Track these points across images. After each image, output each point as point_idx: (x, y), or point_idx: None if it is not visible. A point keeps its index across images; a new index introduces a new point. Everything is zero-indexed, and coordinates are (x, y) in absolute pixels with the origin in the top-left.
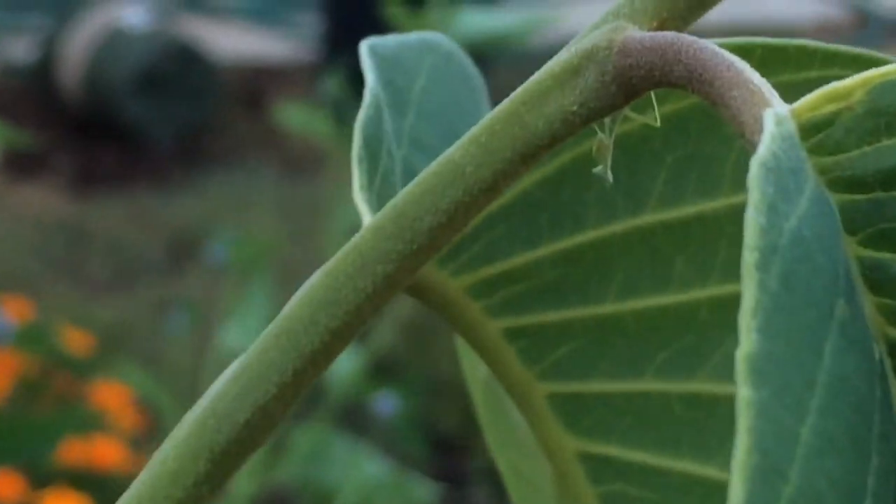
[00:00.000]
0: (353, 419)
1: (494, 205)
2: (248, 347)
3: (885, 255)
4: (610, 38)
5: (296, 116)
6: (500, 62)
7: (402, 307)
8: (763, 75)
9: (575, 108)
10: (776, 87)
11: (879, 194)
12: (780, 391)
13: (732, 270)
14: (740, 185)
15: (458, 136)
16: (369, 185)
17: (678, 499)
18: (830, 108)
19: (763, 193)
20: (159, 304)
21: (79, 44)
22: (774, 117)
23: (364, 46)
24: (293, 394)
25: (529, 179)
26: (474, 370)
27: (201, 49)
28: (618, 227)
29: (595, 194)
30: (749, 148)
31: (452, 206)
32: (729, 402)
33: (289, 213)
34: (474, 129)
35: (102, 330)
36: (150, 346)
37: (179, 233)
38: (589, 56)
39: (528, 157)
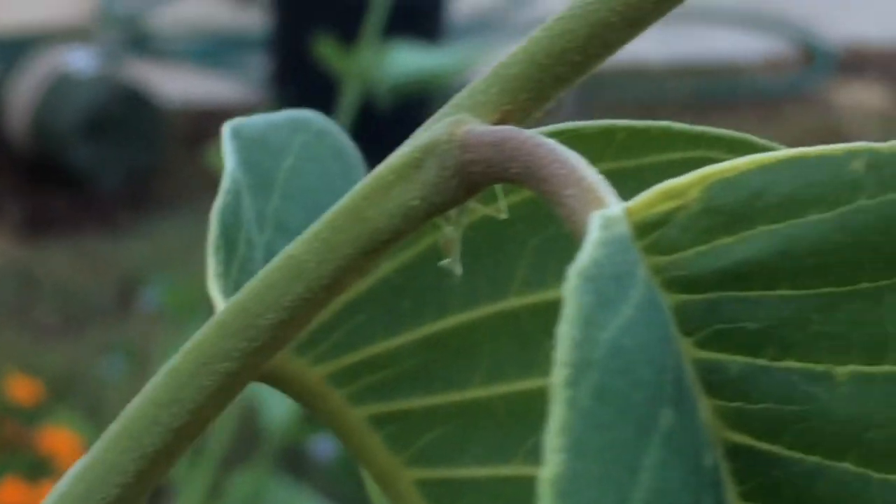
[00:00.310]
0: (291, 463)
1: (354, 291)
2: None
3: (722, 357)
4: (451, 132)
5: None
6: (439, 99)
7: None
8: (626, 157)
9: (416, 202)
10: (639, 169)
11: (716, 294)
12: None
13: None
14: None
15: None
16: (226, 274)
17: None
18: (666, 206)
19: (579, 305)
20: (107, 349)
21: (25, 89)
22: (602, 220)
23: (226, 128)
24: (137, 494)
25: (389, 266)
26: None
27: (148, 92)
28: (482, 311)
29: (457, 279)
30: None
31: (295, 302)
32: None
33: None
34: (316, 225)
35: (51, 375)
36: (99, 392)
37: (128, 277)
38: (429, 150)
39: (371, 252)
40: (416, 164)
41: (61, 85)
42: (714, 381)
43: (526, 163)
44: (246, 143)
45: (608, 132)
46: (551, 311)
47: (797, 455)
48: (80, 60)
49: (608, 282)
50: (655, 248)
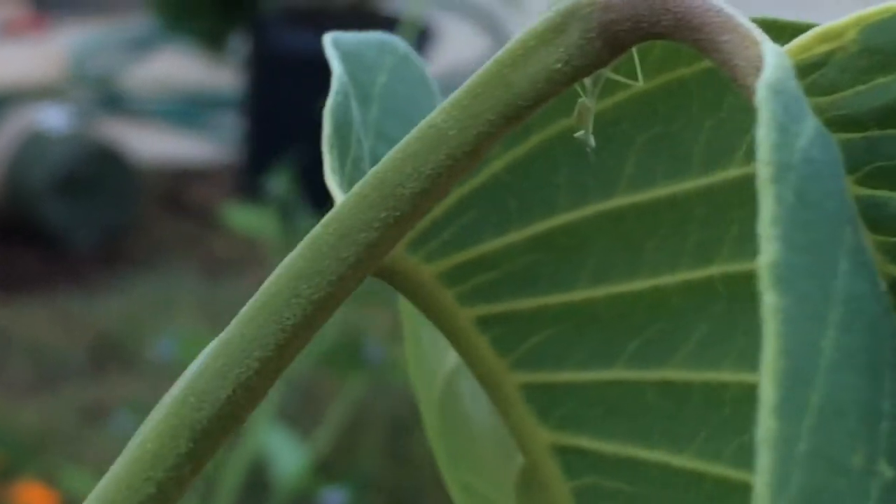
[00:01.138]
0: None
1: (464, 189)
2: None
3: (883, 193)
4: None
5: (240, 217)
6: None
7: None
8: None
9: (559, 66)
10: None
11: (875, 132)
12: (802, 301)
13: (703, 255)
14: (710, 167)
15: None
16: (340, 169)
17: (653, 490)
18: (823, 48)
19: (773, 112)
20: (82, 406)
21: None
22: (772, 51)
23: (327, 39)
24: (276, 368)
25: (499, 163)
26: (429, 380)
27: (121, 151)
28: (588, 210)
29: (565, 178)
30: (742, 92)
31: (435, 171)
32: (702, 390)
33: (212, 315)
34: (456, 93)
35: (25, 434)
36: (75, 450)
37: (103, 336)
38: (572, 13)
39: (512, 118)
40: (558, 27)
41: (34, 143)
42: (876, 217)
43: (678, 14)
44: (345, 55)
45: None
46: (655, 212)
47: None
48: (52, 119)
49: (792, 99)
50: (815, 89)
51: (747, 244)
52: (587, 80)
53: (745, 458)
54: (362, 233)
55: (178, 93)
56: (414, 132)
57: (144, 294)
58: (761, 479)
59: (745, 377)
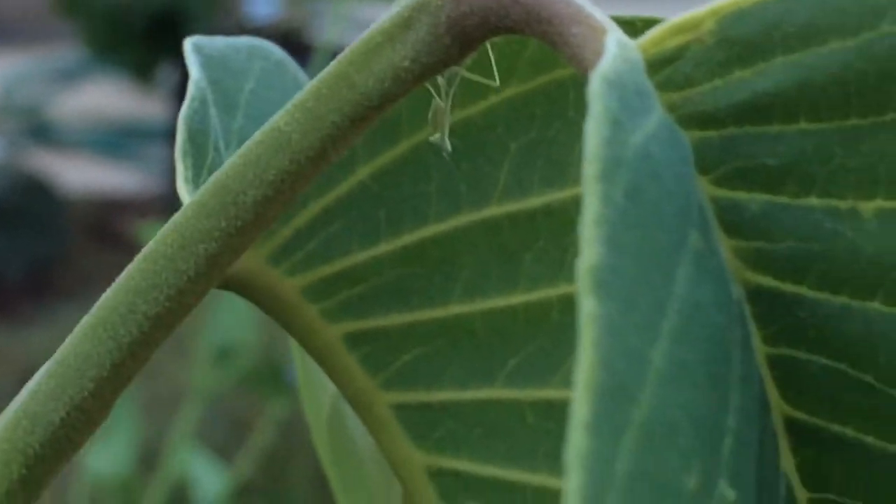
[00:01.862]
0: None
1: (329, 198)
2: (115, 472)
3: (741, 195)
4: None
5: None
6: None
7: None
8: None
9: (406, 63)
10: None
11: (733, 130)
12: (627, 308)
13: None
14: None
15: None
16: (195, 179)
17: None
18: (678, 40)
19: (605, 106)
20: None
21: None
22: (617, 41)
23: (188, 43)
24: (112, 389)
25: (365, 170)
26: (318, 403)
27: (50, 182)
28: (461, 220)
29: (436, 186)
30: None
31: (279, 177)
32: None
33: None
34: (299, 95)
35: None
36: None
37: (31, 368)
38: (420, 7)
39: (358, 120)
40: (406, 23)
41: None
42: (733, 221)
43: (527, 6)
44: (207, 60)
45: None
46: (532, 222)
47: (823, 295)
48: None
49: (631, 93)
50: (669, 84)
51: None
52: (441, 80)
53: None
54: (201, 244)
55: (106, 123)
56: (256, 136)
57: (73, 325)
58: (572, 501)
59: None
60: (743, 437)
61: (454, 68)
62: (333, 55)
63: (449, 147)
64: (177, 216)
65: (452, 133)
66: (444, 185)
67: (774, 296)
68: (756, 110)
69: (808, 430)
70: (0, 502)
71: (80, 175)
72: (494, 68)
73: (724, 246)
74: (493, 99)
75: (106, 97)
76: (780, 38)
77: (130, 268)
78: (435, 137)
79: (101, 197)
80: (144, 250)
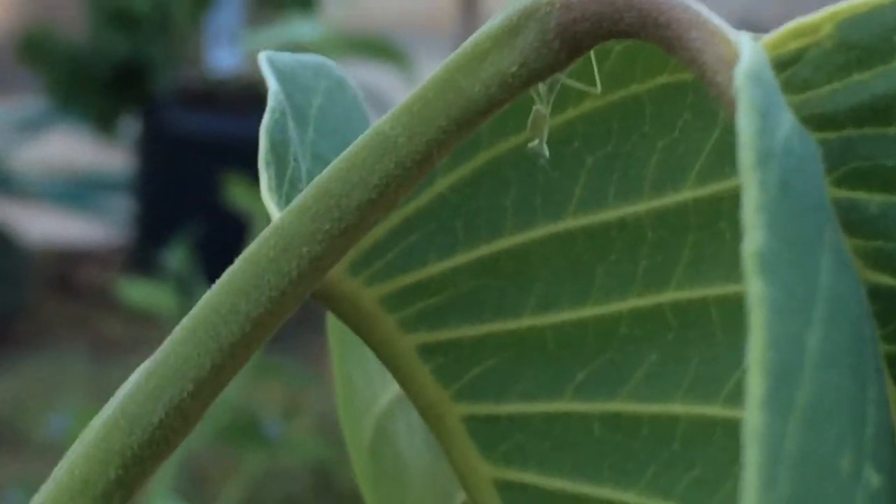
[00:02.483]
0: None
1: (409, 209)
2: None
3: (860, 195)
4: None
5: (136, 292)
6: None
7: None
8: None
9: (514, 69)
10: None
11: (851, 132)
12: (788, 292)
13: (653, 281)
14: (661, 188)
15: None
16: (278, 189)
17: None
18: (797, 44)
19: (753, 99)
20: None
21: None
22: (749, 44)
23: (262, 56)
24: (211, 391)
25: (444, 182)
26: (359, 428)
27: (10, 232)
28: (536, 233)
29: (513, 199)
30: (712, 90)
31: (383, 180)
32: (653, 422)
33: (102, 397)
34: (406, 99)
35: None
36: None
37: None
38: (529, 14)
39: (464, 125)
40: (514, 29)
41: None
42: (853, 220)
43: (643, 11)
44: (281, 74)
45: None
46: (606, 235)
47: None
48: None
49: (772, 89)
50: (789, 86)
51: (699, 271)
52: (542, 87)
53: (695, 495)
54: (305, 246)
55: (68, 174)
56: (360, 140)
57: (33, 376)
58: (749, 475)
59: (696, 410)
60: (881, 429)
61: (556, 75)
62: None
63: (547, 153)
64: (277, 219)
65: (528, 147)
66: (521, 197)
67: (893, 294)
68: (874, 112)
69: None
70: (97, 502)
71: (42, 225)
72: (596, 73)
73: (846, 244)
74: (571, 113)
75: (68, 147)
76: None
77: (233, 269)
78: (534, 144)
79: (62, 248)
80: (246, 252)
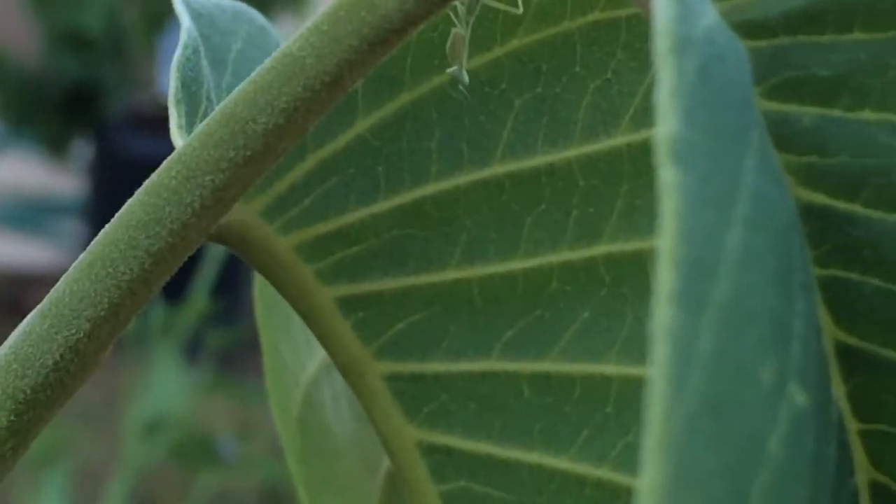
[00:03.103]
0: None
1: (326, 152)
2: None
3: (792, 108)
4: None
5: None
6: None
7: None
8: (620, 5)
9: None
10: (635, 18)
11: (784, 39)
12: (703, 183)
13: (585, 232)
14: (593, 133)
15: None
16: (189, 127)
17: (528, 497)
18: None
19: None
20: None
21: None
22: None
23: None
24: (109, 331)
25: (365, 124)
26: (287, 399)
27: None
28: (462, 179)
29: (438, 143)
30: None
31: (291, 104)
32: (586, 384)
33: (70, 417)
34: (315, 18)
35: None
36: None
37: None
38: None
39: (378, 44)
40: None
41: None
42: (784, 134)
43: None
44: (196, 15)
45: None
46: (536, 182)
47: (878, 213)
48: None
49: None
50: None
51: (633, 222)
52: (459, 6)
53: (631, 461)
54: (208, 175)
55: (19, 197)
56: (267, 63)
57: None
58: (657, 377)
59: (630, 370)
60: (809, 346)
61: None
62: None
63: (466, 79)
64: (181, 148)
65: (454, 87)
66: (446, 141)
67: (827, 214)
68: (808, 19)
69: (861, 355)
70: None
71: None
72: None
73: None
74: (497, 52)
75: (19, 171)
76: None
77: (131, 202)
78: (452, 70)
79: (12, 271)
80: (146, 184)
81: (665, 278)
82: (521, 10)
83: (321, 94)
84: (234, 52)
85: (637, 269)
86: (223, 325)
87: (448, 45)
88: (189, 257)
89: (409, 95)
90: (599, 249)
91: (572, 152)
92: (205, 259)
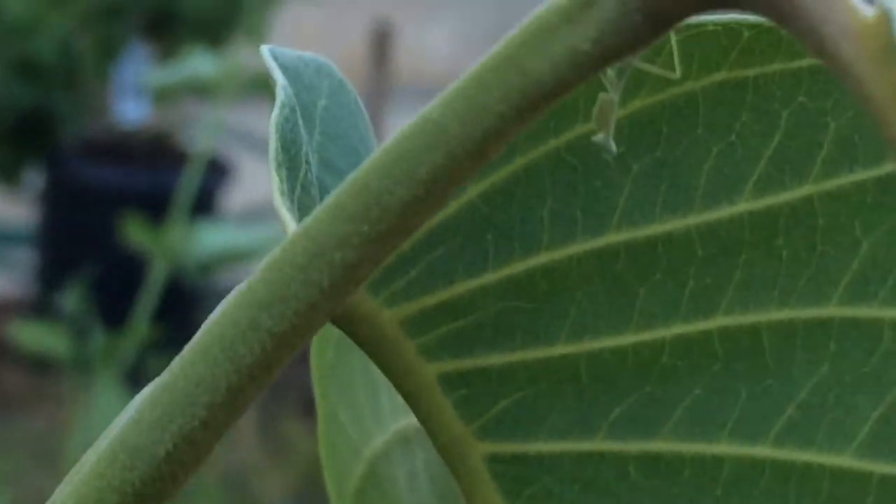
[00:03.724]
0: None
1: (435, 220)
2: None
3: None
4: None
5: (29, 334)
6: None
7: None
8: (748, 64)
9: (587, 46)
10: (763, 77)
11: None
12: None
13: (701, 304)
14: (714, 199)
15: (362, 162)
16: (290, 193)
17: None
18: None
19: None
20: None
21: None
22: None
23: (265, 49)
24: (226, 418)
25: (475, 190)
26: (344, 470)
27: None
28: (575, 249)
29: (550, 210)
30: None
31: (431, 175)
32: (696, 464)
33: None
34: (457, 83)
35: None
36: None
37: None
38: None
39: (527, 111)
40: (589, 1)
41: None
42: None
43: None
44: (285, 70)
45: (734, 31)
46: (652, 252)
47: None
48: None
49: None
50: None
51: (751, 294)
52: (610, 72)
53: None
54: (338, 251)
55: None
56: (404, 129)
57: None
58: None
59: (742, 451)
60: None
61: (628, 58)
62: (205, 160)
63: (614, 148)
64: (308, 221)
65: (569, 150)
66: (559, 209)
67: None
68: None
69: None
70: None
71: None
72: (675, 55)
73: None
74: (617, 113)
75: None
76: None
77: (252, 279)
78: (598, 138)
79: None
80: (269, 259)
81: None
82: (678, 74)
83: (464, 163)
84: (321, 108)
85: (753, 343)
86: (166, 352)
87: (595, 110)
88: (129, 281)
89: (523, 160)
90: (715, 322)
91: (692, 220)
92: (146, 283)
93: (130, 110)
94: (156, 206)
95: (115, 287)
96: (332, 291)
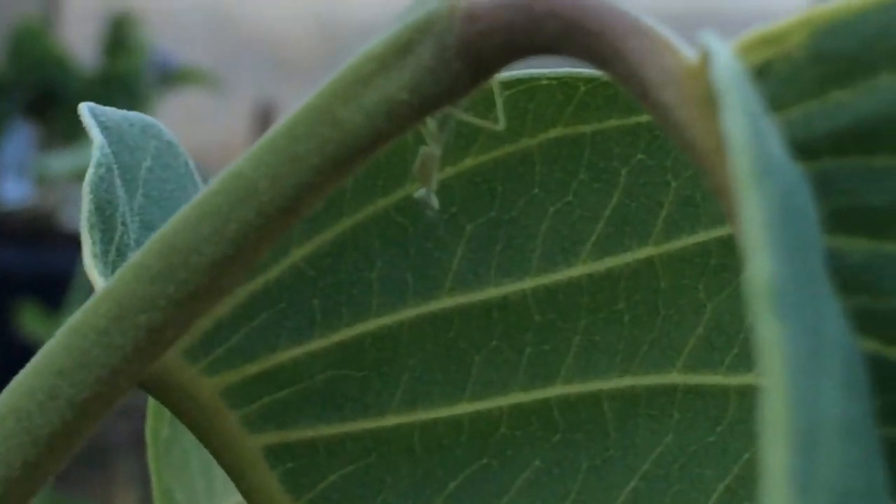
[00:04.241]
0: None
1: (256, 284)
2: None
3: (840, 242)
4: (451, 3)
5: None
6: None
7: None
8: (584, 120)
9: (405, 95)
10: (600, 134)
11: (829, 163)
12: (803, 339)
13: (539, 372)
14: (551, 262)
15: None
16: (103, 256)
17: None
18: (760, 55)
19: (743, 99)
20: None
21: None
22: (718, 44)
23: (84, 108)
24: (22, 494)
25: (300, 252)
26: None
27: None
28: (406, 314)
29: (380, 274)
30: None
31: (241, 232)
32: None
33: None
34: (268, 135)
35: None
36: None
37: None
38: (423, 27)
39: (342, 164)
40: (405, 46)
41: None
42: (831, 271)
43: (567, 18)
44: (105, 130)
45: (568, 84)
46: (486, 317)
47: None
48: None
49: (752, 97)
50: None
51: (591, 361)
52: (431, 123)
53: None
54: (143, 313)
55: None
56: (213, 185)
57: None
58: None
59: None
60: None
61: (448, 109)
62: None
63: (436, 204)
64: (110, 283)
65: (399, 211)
66: (389, 272)
67: (879, 363)
68: (859, 139)
69: None
70: None
71: None
72: (499, 105)
73: None
74: (448, 171)
75: None
76: (888, 49)
77: (51, 344)
78: (419, 193)
79: None
80: (69, 322)
81: (775, 455)
82: (502, 125)
83: (276, 220)
84: (144, 169)
85: (594, 413)
86: None
87: (416, 164)
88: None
89: (350, 221)
90: (554, 391)
91: (528, 284)
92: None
93: (12, 190)
94: (39, 286)
95: (9, 375)
96: (136, 356)
